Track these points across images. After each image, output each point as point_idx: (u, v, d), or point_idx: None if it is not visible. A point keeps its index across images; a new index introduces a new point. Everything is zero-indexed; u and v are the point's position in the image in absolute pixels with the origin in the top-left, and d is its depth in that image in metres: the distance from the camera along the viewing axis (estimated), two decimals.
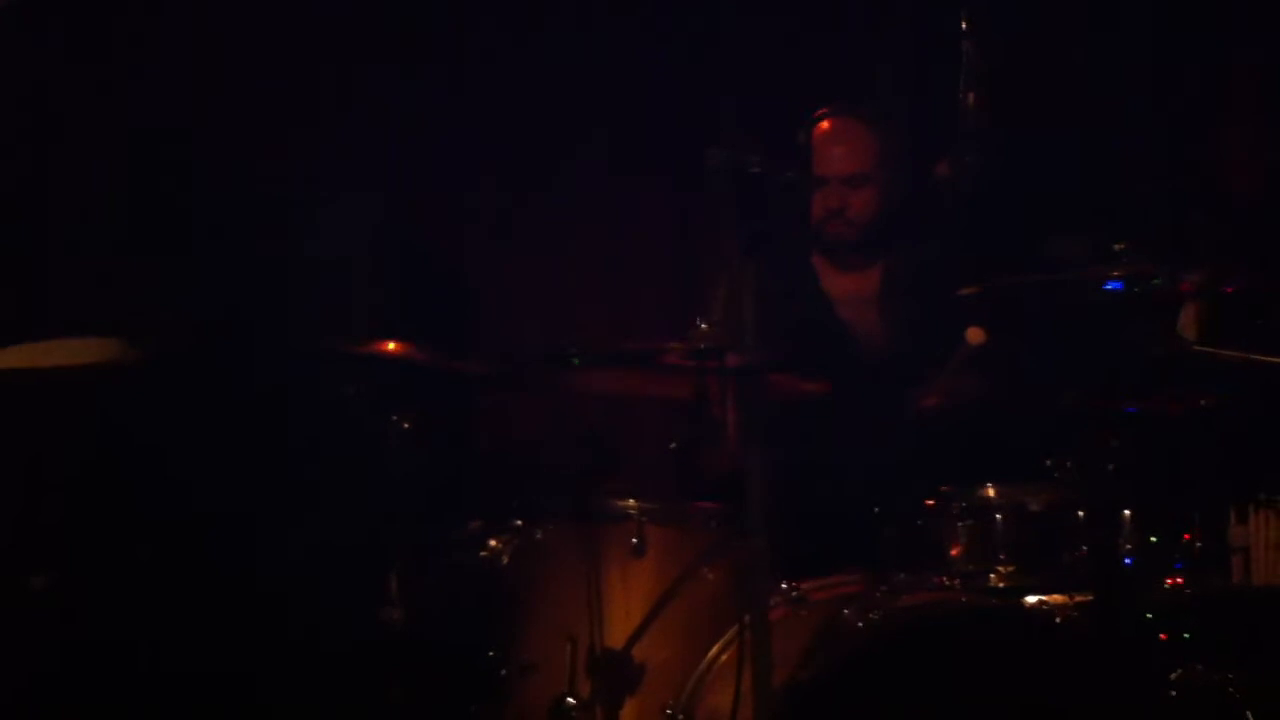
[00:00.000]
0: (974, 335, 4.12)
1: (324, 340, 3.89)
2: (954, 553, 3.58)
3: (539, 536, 3.56)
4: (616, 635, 3.61)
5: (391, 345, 3.87)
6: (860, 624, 3.46)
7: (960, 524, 3.57)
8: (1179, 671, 3.64)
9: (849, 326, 4.47)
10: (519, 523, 3.55)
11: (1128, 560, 3.55)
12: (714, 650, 3.59)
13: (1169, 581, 3.69)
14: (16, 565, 4.36)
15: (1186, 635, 3.66)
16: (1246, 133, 5.10)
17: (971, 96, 4.34)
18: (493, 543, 3.51)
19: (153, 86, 4.84)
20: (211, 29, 4.88)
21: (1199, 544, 3.71)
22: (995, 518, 3.56)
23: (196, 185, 4.87)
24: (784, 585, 3.63)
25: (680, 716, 3.55)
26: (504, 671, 3.53)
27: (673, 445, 3.58)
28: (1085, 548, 3.53)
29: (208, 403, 4.79)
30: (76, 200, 4.73)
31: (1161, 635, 3.65)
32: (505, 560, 3.50)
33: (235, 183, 4.90)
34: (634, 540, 3.64)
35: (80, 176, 4.73)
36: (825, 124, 4.34)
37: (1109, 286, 3.67)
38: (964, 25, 4.30)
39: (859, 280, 4.50)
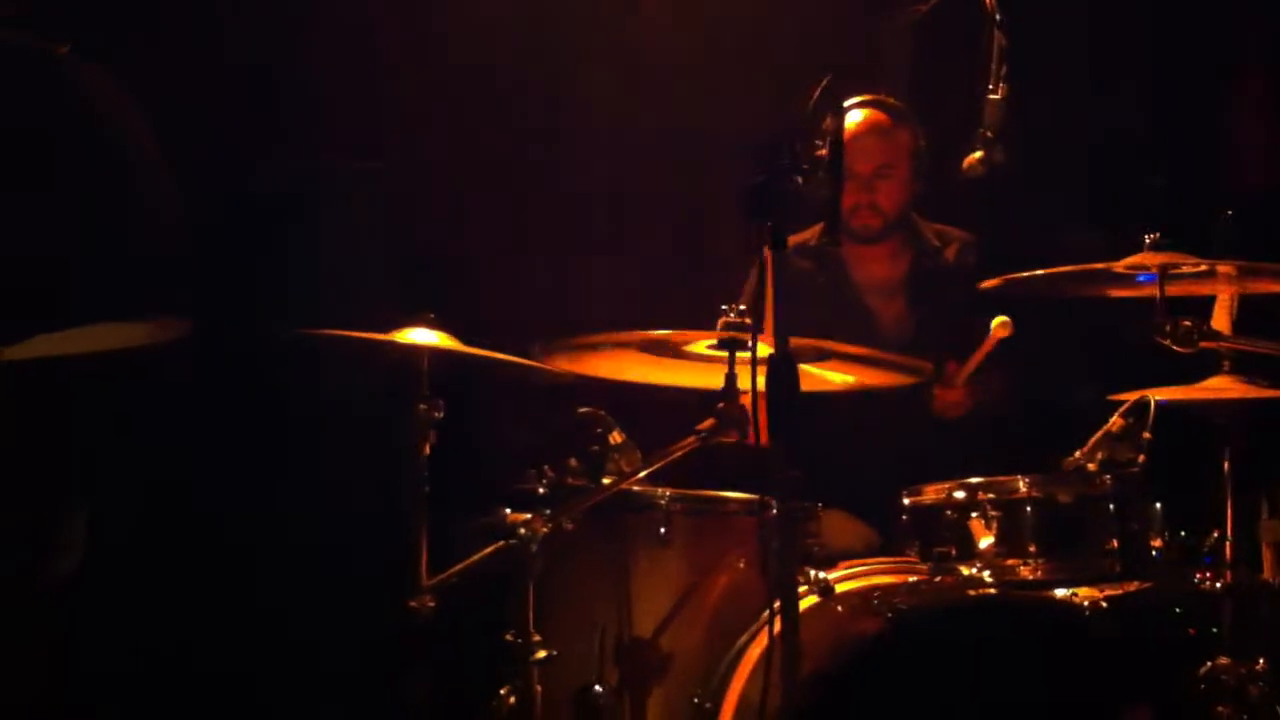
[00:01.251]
0: (1001, 328, 4.10)
1: (347, 328, 3.87)
2: (983, 545, 3.56)
3: (567, 525, 3.54)
4: (644, 624, 3.61)
5: (419, 333, 3.86)
6: (889, 614, 3.46)
7: (990, 516, 3.55)
8: (1207, 666, 3.64)
9: (876, 314, 4.47)
10: (547, 511, 3.53)
11: (1157, 554, 3.53)
12: (742, 639, 3.59)
13: (1198, 575, 3.68)
14: (39, 555, 4.36)
15: (1215, 629, 3.65)
16: (1256, 128, 5.10)
17: (1001, 89, 4.33)
18: (521, 531, 3.49)
19: (156, 77, 4.83)
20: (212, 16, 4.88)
21: (1229, 538, 3.70)
22: (1025, 510, 3.55)
23: (210, 171, 4.86)
24: (812, 575, 3.62)
25: (708, 705, 3.54)
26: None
27: (700, 433, 3.55)
28: (1115, 541, 3.51)
29: (231, 390, 4.79)
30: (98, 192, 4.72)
31: (1190, 629, 3.64)
32: (534, 549, 3.48)
33: (248, 169, 4.90)
34: (661, 529, 3.63)
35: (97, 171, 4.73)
36: (857, 116, 4.34)
37: (1142, 278, 3.66)
38: (996, 16, 4.28)
39: (886, 269, 4.51)
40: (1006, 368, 4.38)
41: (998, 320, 4.11)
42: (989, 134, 4.34)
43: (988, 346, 4.15)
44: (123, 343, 3.63)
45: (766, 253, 3.09)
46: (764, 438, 3.09)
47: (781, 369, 3.05)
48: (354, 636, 4.56)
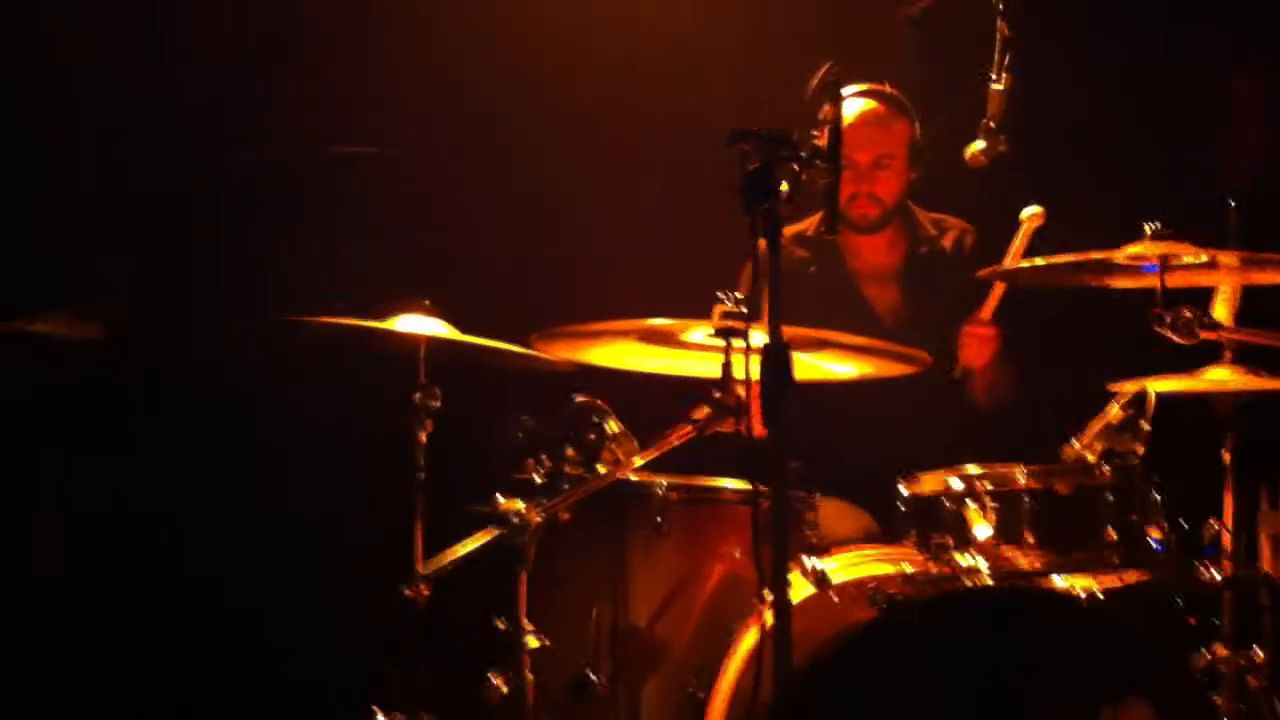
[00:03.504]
0: (1032, 218, 4.09)
1: (341, 314, 3.88)
2: (981, 534, 3.53)
3: (563, 514, 3.54)
4: (639, 613, 3.60)
5: (415, 320, 3.86)
6: (883, 604, 3.44)
7: (988, 505, 3.53)
8: (1206, 657, 3.63)
9: (873, 303, 4.46)
10: (542, 500, 3.53)
11: (1156, 545, 3.51)
12: (735, 629, 3.57)
13: (1197, 566, 3.66)
14: None
15: (1214, 620, 3.64)
16: (1252, 120, 5.07)
17: (1005, 79, 4.31)
18: (514, 519, 3.48)
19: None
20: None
21: (1228, 529, 3.68)
22: (1023, 500, 3.51)
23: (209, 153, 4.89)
24: (807, 564, 3.60)
25: (700, 695, 3.53)
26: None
27: (697, 421, 3.54)
28: (1114, 532, 3.48)
29: (226, 377, 4.80)
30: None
31: (1189, 620, 3.62)
32: (526, 537, 3.48)
33: (247, 152, 4.92)
34: (657, 518, 3.62)
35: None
36: (855, 106, 4.32)
37: (1144, 269, 3.63)
38: (999, 5, 4.26)
39: (883, 257, 4.50)
40: (1016, 357, 4.37)
41: (1028, 211, 4.10)
42: (991, 124, 4.34)
43: (1020, 244, 4.12)
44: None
45: (761, 241, 3.07)
46: (757, 427, 3.08)
47: (775, 358, 3.04)
48: (350, 623, 4.56)
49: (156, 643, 4.69)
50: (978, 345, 4.28)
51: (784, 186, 3.09)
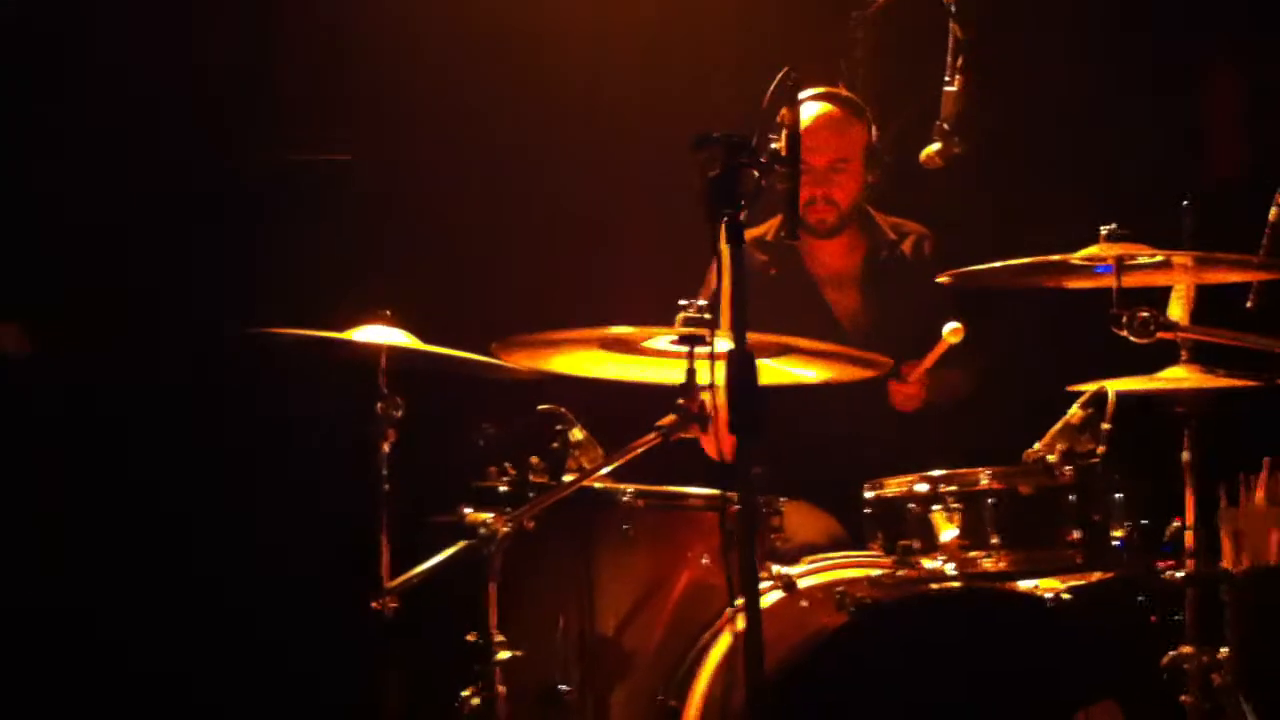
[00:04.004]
0: (951, 334, 4.10)
1: (305, 325, 3.85)
2: (946, 537, 3.56)
3: (528, 524, 3.53)
4: (608, 622, 3.60)
5: (376, 330, 3.84)
6: (852, 609, 3.45)
7: (952, 508, 3.55)
8: (1170, 655, 3.66)
9: (833, 307, 4.47)
10: (508, 509, 3.51)
11: (1119, 544, 3.53)
12: (705, 637, 3.58)
13: (1160, 564, 3.70)
14: None
15: (1177, 618, 3.67)
16: (1226, 115, 5.11)
17: (958, 81, 4.33)
18: (481, 530, 3.47)
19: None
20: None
21: (1190, 527, 3.72)
22: (987, 502, 3.54)
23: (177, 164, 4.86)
24: (775, 570, 3.61)
25: (671, 703, 3.54)
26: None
27: (662, 429, 3.53)
28: (1077, 532, 3.51)
29: (189, 389, 4.77)
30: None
31: (1153, 618, 3.66)
32: (493, 548, 3.46)
33: (211, 157, 4.89)
34: (624, 526, 3.61)
35: None
36: (811, 110, 4.32)
37: (1099, 270, 3.66)
38: (951, 7, 4.28)
39: (843, 261, 4.50)
40: (964, 362, 4.39)
41: (949, 327, 4.10)
42: (945, 125, 4.36)
43: (938, 351, 4.14)
44: None
45: (723, 247, 3.08)
46: (724, 433, 3.08)
47: (740, 364, 3.04)
48: (318, 638, 4.54)
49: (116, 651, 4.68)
50: (902, 400, 4.29)
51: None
